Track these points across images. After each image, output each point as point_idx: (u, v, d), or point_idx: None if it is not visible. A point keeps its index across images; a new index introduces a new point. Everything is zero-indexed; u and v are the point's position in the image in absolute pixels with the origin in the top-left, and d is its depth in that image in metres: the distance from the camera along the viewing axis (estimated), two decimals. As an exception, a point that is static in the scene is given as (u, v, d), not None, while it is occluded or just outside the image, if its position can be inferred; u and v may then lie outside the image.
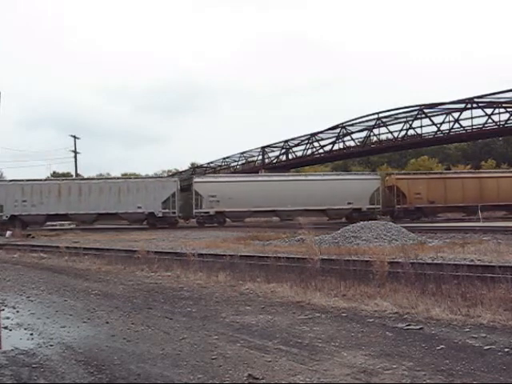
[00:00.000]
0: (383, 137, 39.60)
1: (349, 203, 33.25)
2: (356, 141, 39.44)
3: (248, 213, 33.30)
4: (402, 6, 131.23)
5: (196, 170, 60.82)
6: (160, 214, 32.49)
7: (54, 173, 64.88)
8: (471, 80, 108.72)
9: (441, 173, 40.03)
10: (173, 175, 52.54)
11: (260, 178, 36.52)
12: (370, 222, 17.91)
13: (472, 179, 35.98)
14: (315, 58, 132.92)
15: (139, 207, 32.36)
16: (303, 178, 35.95)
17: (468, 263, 9.43)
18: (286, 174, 38.45)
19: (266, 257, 10.81)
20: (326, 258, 9.87)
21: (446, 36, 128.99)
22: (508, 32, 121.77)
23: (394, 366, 4.11)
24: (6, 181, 38.60)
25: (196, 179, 35.03)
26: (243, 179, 36.24)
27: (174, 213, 32.77)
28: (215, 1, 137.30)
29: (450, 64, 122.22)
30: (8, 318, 6.55)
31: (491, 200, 34.89)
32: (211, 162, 57.91)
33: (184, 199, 34.64)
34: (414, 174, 39.27)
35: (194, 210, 33.11)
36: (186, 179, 41.19)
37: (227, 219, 34.05)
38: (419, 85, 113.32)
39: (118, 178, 37.68)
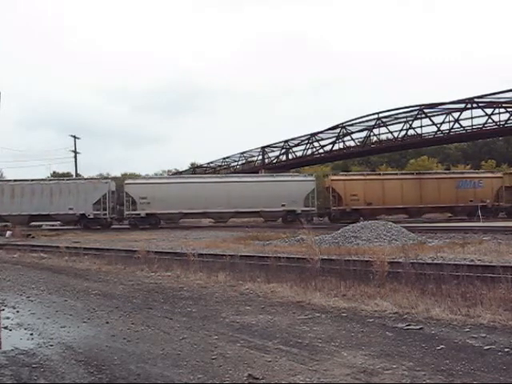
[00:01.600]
0: (383, 137, 39.63)
1: (283, 205, 33.05)
2: (356, 141, 39.45)
3: (179, 214, 33.31)
4: (402, 6, 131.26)
5: (196, 169, 60.86)
6: (91, 216, 32.77)
7: (54, 173, 64.97)
8: (471, 80, 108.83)
9: (379, 174, 39.36)
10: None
11: (191, 180, 36.39)
12: (370, 222, 17.90)
13: (411, 180, 35.40)
14: (315, 58, 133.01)
15: (70, 208, 32.62)
16: (236, 179, 35.58)
17: (468, 263, 9.44)
18: (220, 175, 37.78)
19: (266, 257, 10.82)
20: (326, 257, 9.88)
21: (446, 36, 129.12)
22: (508, 32, 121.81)
23: (394, 366, 4.11)
24: None
25: (127, 181, 35.43)
26: (174, 181, 36.46)
27: (106, 214, 32.97)
28: (215, 1, 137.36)
29: (450, 64, 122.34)
30: (8, 318, 6.54)
31: (431, 201, 34.34)
32: (211, 162, 57.93)
33: (117, 201, 34.77)
34: (352, 174, 38.70)
35: (126, 212, 33.30)
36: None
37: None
38: (419, 85, 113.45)
39: (50, 180, 38.14)
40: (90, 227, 32.34)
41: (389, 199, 34.24)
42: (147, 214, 32.82)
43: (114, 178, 41.96)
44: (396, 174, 39.91)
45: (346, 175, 37.56)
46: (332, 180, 35.07)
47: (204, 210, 32.80)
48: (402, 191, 34.46)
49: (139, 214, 32.95)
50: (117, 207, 34.49)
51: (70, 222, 33.83)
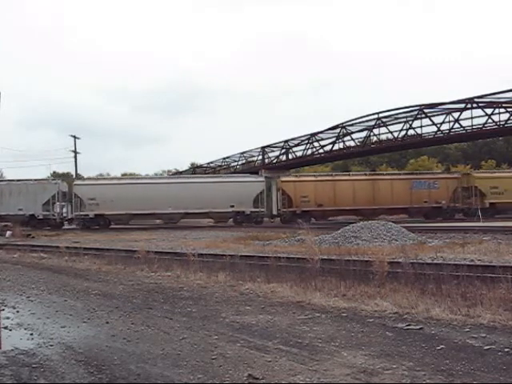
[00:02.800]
0: (383, 137, 39.51)
1: (231, 206, 33.02)
2: (356, 141, 39.37)
3: (128, 216, 33.34)
4: (402, 6, 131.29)
5: (196, 169, 60.87)
6: (41, 216, 32.94)
7: (54, 173, 64.89)
8: (471, 80, 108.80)
9: (330, 175, 38.99)
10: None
11: (140, 181, 36.44)
12: (370, 222, 17.91)
13: (364, 181, 34.96)
14: (315, 58, 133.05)
15: (20, 209, 32.78)
16: (185, 180, 35.52)
17: (468, 263, 9.44)
18: (168, 176, 37.52)
19: (266, 257, 10.83)
20: (325, 258, 9.88)
21: (446, 36, 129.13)
22: (508, 32, 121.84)
23: (394, 366, 4.11)
24: None
25: (76, 182, 35.55)
26: (122, 182, 36.53)
27: (54, 215, 33.11)
28: (215, 1, 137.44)
29: (450, 64, 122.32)
30: (8, 318, 6.54)
31: (385, 203, 33.83)
32: (211, 162, 57.91)
33: (69, 202, 34.91)
34: (302, 175, 38.50)
35: (74, 213, 33.41)
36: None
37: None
38: (419, 85, 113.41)
39: (1, 181, 38.37)
40: (39, 228, 32.34)
41: (340, 200, 33.81)
42: (96, 215, 32.85)
43: (66, 179, 42.02)
44: (348, 174, 39.59)
45: (296, 176, 37.41)
46: (282, 181, 34.73)
47: (153, 211, 32.73)
48: (354, 192, 34.04)
49: (88, 215, 32.99)
50: (68, 208, 34.62)
51: (19, 222, 33.37)
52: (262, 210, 33.55)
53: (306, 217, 32.73)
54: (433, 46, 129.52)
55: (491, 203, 34.71)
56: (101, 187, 33.91)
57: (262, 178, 35.51)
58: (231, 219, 34.43)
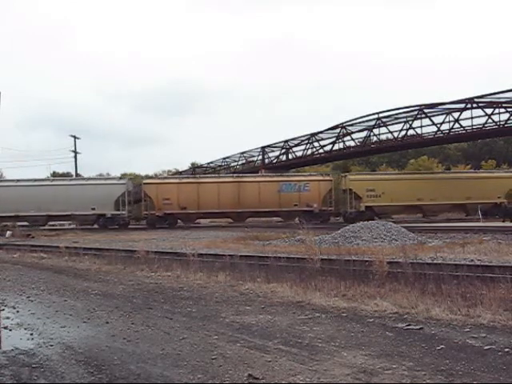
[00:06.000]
0: (383, 137, 39.50)
1: (93, 208, 32.77)
2: (356, 141, 39.40)
3: None
4: (403, 7, 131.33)
5: (196, 169, 60.88)
6: None
7: (54, 173, 64.88)
8: (471, 80, 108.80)
9: (195, 177, 38.52)
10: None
11: (3, 184, 35.94)
12: (369, 222, 17.93)
13: (229, 184, 34.26)
14: (315, 58, 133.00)
15: None
16: (48, 182, 35.09)
17: (468, 263, 9.44)
18: (32, 179, 36.47)
19: (266, 257, 10.83)
20: (325, 257, 9.88)
21: (446, 36, 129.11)
22: (508, 32, 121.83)
23: (394, 366, 4.11)
24: None
25: None
26: None
27: None
28: (215, 2, 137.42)
29: (449, 64, 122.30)
30: (8, 318, 6.55)
31: (251, 206, 33.24)
32: (211, 162, 57.95)
33: None
34: (166, 177, 38.18)
35: None
36: None
37: None
38: (419, 85, 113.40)
39: None
40: None
41: (204, 203, 33.29)
42: None
43: None
44: (213, 177, 39.27)
45: (159, 178, 37.12)
46: (144, 184, 34.49)
47: (16, 214, 32.06)
48: (219, 195, 33.35)
49: None
50: None
51: None
52: (123, 212, 33.26)
53: (170, 219, 33.10)
54: (433, 46, 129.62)
55: (368, 206, 33.54)
56: None
57: (123, 181, 35.08)
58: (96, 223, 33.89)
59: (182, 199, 33.33)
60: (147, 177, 37.44)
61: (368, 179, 35.64)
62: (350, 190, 33.94)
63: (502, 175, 37.04)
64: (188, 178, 38.02)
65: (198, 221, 36.51)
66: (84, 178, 37.12)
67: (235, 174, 40.60)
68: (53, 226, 35.98)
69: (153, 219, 33.66)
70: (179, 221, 34.45)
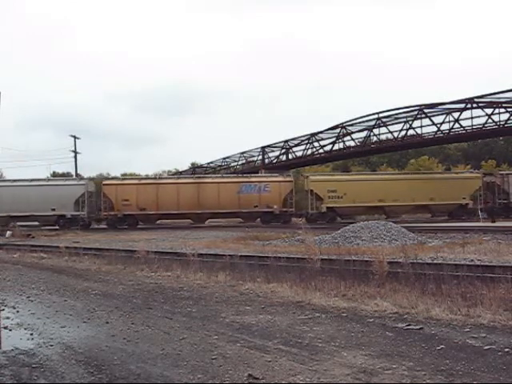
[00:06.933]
0: (383, 137, 39.50)
1: (53, 209, 32.70)
2: (356, 141, 39.40)
3: None
4: (403, 7, 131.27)
5: (196, 169, 60.89)
6: None
7: (54, 173, 64.88)
8: (471, 80, 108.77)
9: (153, 178, 38.45)
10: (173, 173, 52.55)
11: None
12: (370, 222, 17.91)
13: (189, 185, 34.31)
14: (315, 58, 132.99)
15: None
16: (8, 183, 35.00)
17: (468, 263, 9.45)
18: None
19: (266, 257, 10.83)
20: (325, 257, 9.88)
21: (446, 36, 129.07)
22: (508, 32, 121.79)
23: (394, 366, 4.11)
24: None
25: None
26: None
27: None
28: (215, 2, 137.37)
29: (450, 64, 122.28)
30: (8, 317, 6.54)
31: (211, 207, 33.24)
32: (211, 162, 57.98)
33: None
34: (125, 179, 38.22)
35: None
36: None
37: None
38: (419, 85, 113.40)
39: None
40: None
41: (164, 205, 33.27)
42: None
43: None
44: (172, 178, 39.20)
45: (118, 179, 37.18)
46: (104, 185, 34.54)
47: None
48: (178, 196, 33.37)
49: None
50: None
51: None
52: (83, 213, 33.26)
53: (129, 220, 33.24)
54: (433, 46, 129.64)
55: (329, 207, 33.58)
56: None
57: (83, 182, 35.13)
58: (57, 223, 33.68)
59: (140, 200, 33.41)
60: (107, 178, 37.65)
61: (329, 180, 35.51)
62: (312, 190, 33.88)
63: (466, 176, 36.74)
64: (148, 179, 37.93)
65: (159, 221, 36.28)
66: (44, 179, 37.13)
67: (234, 174, 40.61)
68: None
69: (113, 220, 33.77)
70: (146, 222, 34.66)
